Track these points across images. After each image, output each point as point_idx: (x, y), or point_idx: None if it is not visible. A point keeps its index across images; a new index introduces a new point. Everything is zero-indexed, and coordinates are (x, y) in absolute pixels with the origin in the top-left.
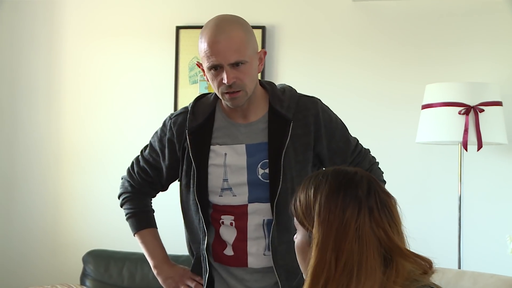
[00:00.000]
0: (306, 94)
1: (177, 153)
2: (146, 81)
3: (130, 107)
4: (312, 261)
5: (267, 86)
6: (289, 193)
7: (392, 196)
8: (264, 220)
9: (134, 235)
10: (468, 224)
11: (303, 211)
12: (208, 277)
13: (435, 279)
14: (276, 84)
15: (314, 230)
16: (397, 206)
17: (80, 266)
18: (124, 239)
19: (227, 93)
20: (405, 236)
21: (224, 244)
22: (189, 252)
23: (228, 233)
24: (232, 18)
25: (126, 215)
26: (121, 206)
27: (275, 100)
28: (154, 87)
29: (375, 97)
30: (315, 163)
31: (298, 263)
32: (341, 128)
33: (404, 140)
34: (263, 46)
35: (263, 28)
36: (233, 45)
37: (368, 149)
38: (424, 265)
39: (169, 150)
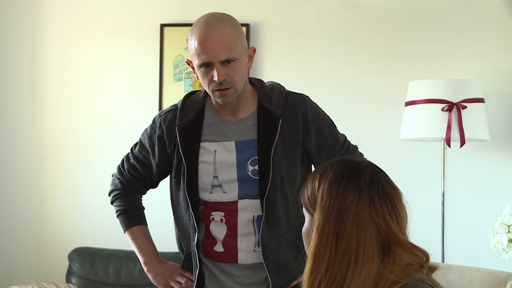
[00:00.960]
0: (294, 91)
1: (167, 150)
2: (131, 78)
3: (115, 104)
4: (312, 243)
5: (256, 83)
6: (278, 189)
7: (398, 189)
8: (254, 216)
9: (124, 232)
10: (452, 219)
11: (308, 198)
12: (198, 273)
13: None
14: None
15: (316, 214)
16: (403, 201)
17: (65, 263)
18: (109, 236)
19: (217, 90)
20: (407, 230)
21: (214, 240)
22: (179, 249)
23: (218, 230)
24: (222, 16)
25: (116, 212)
26: (112, 203)
27: (264, 97)
28: (139, 84)
29: (359, 94)
30: (303, 159)
31: (288, 258)
32: (330, 124)
33: (388, 137)
34: (248, 44)
35: (247, 25)
36: (224, 42)
37: (356, 146)
38: (421, 257)
39: (159, 147)
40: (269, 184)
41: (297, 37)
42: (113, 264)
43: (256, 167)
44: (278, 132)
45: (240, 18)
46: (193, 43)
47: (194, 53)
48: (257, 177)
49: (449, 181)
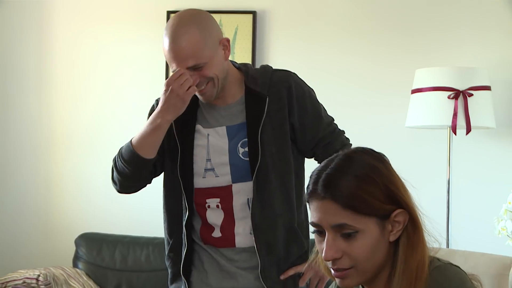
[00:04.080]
0: (281, 68)
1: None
2: (137, 66)
3: (122, 92)
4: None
5: (242, 68)
6: (269, 169)
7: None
8: (248, 199)
9: (131, 146)
10: (457, 206)
11: (379, 197)
12: (186, 252)
13: None
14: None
15: (398, 210)
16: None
17: (72, 249)
18: (116, 222)
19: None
20: None
21: (211, 227)
22: (165, 236)
23: (215, 216)
24: (189, 19)
25: (117, 155)
26: (113, 169)
27: (250, 80)
28: (145, 72)
29: (365, 82)
30: (292, 138)
31: (279, 240)
32: (314, 103)
33: (394, 125)
34: (253, 32)
35: (254, 13)
36: (188, 50)
37: (343, 131)
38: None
39: None
40: (257, 164)
41: (304, 25)
42: (119, 249)
43: (246, 149)
44: (265, 111)
45: (247, 5)
46: (164, 49)
47: (167, 58)
48: (247, 159)
49: (454, 169)
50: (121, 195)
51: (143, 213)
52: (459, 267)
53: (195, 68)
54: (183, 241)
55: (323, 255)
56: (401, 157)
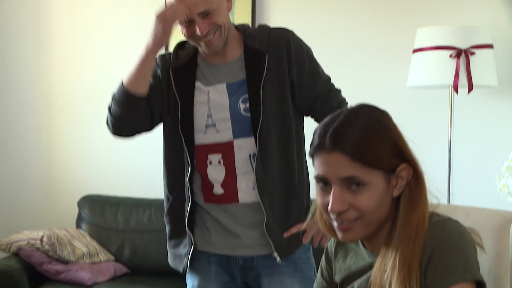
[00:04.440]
0: (278, 26)
1: (159, 89)
2: (137, 27)
3: (122, 53)
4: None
5: (240, 28)
6: (271, 125)
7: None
8: (250, 154)
9: (121, 83)
10: (458, 165)
11: (388, 152)
12: (190, 207)
13: None
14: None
15: (404, 165)
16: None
17: (75, 210)
18: (118, 184)
19: (203, 41)
20: None
21: (211, 184)
22: (165, 192)
23: (217, 172)
24: None
25: (112, 95)
26: (107, 114)
27: (248, 38)
28: (145, 31)
29: (366, 43)
30: (292, 95)
31: (281, 196)
32: (312, 60)
33: (396, 85)
34: None
35: None
36: None
37: (340, 90)
38: None
39: (153, 85)
40: (260, 120)
41: None
42: (122, 211)
43: (247, 105)
44: (266, 68)
45: None
46: (172, 1)
47: (174, 9)
48: (249, 114)
49: (456, 128)
50: (124, 158)
51: (146, 175)
52: (458, 222)
53: (205, 15)
54: (186, 196)
55: (329, 207)
56: (402, 117)
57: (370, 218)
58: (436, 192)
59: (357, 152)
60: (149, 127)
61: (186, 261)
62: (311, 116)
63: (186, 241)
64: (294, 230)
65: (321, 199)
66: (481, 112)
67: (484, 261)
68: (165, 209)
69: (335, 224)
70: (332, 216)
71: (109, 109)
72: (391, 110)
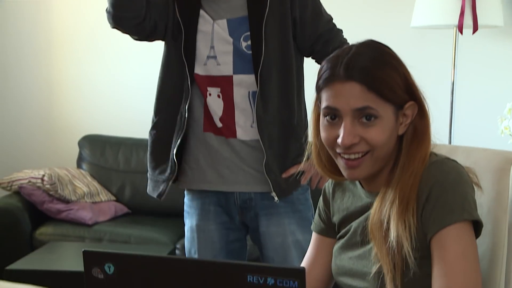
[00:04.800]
0: None
1: (169, 9)
2: None
3: None
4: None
5: None
6: (272, 64)
7: None
8: (249, 92)
9: None
10: (460, 107)
11: (399, 86)
12: (183, 136)
13: None
14: None
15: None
16: None
17: (76, 150)
18: (118, 124)
19: None
20: None
21: (211, 116)
22: (152, 117)
23: (216, 105)
24: None
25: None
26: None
27: None
28: None
29: None
30: (294, 34)
31: (279, 135)
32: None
33: (399, 25)
34: None
35: None
36: None
37: (341, 30)
38: None
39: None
40: (262, 58)
41: None
42: (123, 151)
43: (249, 43)
44: (268, 5)
45: None
46: None
47: None
48: (251, 52)
49: (459, 69)
50: (125, 98)
51: (146, 115)
52: (456, 161)
53: None
54: (180, 125)
55: (339, 140)
56: (406, 58)
57: (379, 152)
58: (435, 133)
59: (373, 81)
60: (149, 31)
61: (164, 187)
62: (312, 57)
63: (167, 167)
64: (292, 170)
65: (328, 133)
66: (486, 53)
67: (484, 201)
68: (149, 129)
69: (341, 161)
70: (340, 150)
71: None
72: (394, 50)
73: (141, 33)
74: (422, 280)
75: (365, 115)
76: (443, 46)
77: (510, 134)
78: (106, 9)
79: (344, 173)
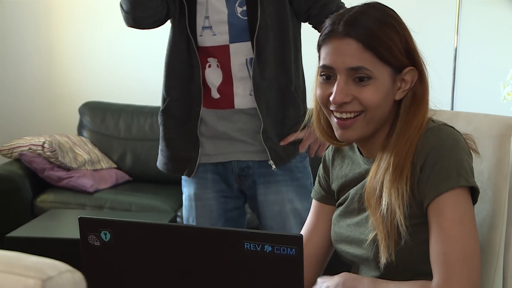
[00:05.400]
0: None
1: None
2: None
3: None
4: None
5: None
6: (269, 29)
7: None
8: (247, 59)
9: None
10: (463, 73)
11: (399, 49)
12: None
13: None
14: None
15: (409, 66)
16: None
17: (76, 117)
18: (119, 91)
19: None
20: None
21: (208, 88)
22: (162, 93)
23: (215, 76)
24: None
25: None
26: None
27: None
28: None
29: None
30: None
31: (277, 101)
32: None
33: None
34: None
35: None
36: None
37: None
38: None
39: None
40: (258, 23)
41: None
42: (123, 118)
43: (244, 8)
44: None
45: None
46: None
47: None
48: (246, 18)
49: (462, 35)
50: (125, 64)
51: (147, 82)
52: (453, 127)
53: None
54: (198, 99)
55: (331, 97)
56: (409, 21)
57: (372, 114)
58: (436, 99)
59: (371, 40)
60: (162, 20)
61: (192, 165)
62: (309, 22)
63: (190, 146)
64: (291, 138)
65: (322, 91)
66: (489, 18)
67: (484, 167)
68: (160, 109)
69: (334, 120)
70: (333, 108)
71: None
72: (399, 14)
73: (157, 26)
74: (414, 248)
75: (359, 75)
76: (446, 11)
77: None
78: (122, 9)
79: (337, 133)
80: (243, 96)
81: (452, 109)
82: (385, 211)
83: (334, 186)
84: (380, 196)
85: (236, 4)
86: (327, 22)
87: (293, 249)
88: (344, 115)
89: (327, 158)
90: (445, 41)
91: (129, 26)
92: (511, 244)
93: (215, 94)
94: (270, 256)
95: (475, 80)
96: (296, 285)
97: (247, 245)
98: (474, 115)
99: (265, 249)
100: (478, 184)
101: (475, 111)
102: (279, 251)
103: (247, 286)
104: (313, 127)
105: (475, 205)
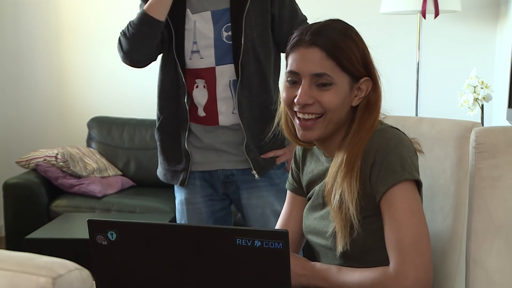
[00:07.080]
0: None
1: None
2: None
3: None
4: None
5: None
6: (250, 53)
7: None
8: (230, 80)
9: (143, 10)
10: (425, 84)
11: (358, 60)
12: (188, 128)
13: (398, 126)
14: None
15: (364, 75)
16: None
17: (85, 130)
18: (123, 106)
19: None
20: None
21: (196, 106)
22: (157, 113)
23: (201, 96)
24: None
25: (126, 25)
26: (120, 40)
27: None
28: None
29: None
30: (272, 27)
31: (256, 117)
32: (292, 0)
33: (369, 11)
34: None
35: None
36: None
37: None
38: None
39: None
40: (242, 48)
41: None
42: (127, 130)
43: (230, 33)
44: (249, 0)
45: None
46: None
47: None
48: (231, 42)
49: (423, 51)
50: (128, 83)
51: (147, 98)
52: (398, 129)
53: None
54: (185, 117)
55: (296, 99)
56: (376, 42)
57: (331, 116)
58: (402, 107)
59: (334, 49)
60: (156, 55)
61: (184, 175)
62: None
63: (182, 158)
64: (270, 154)
65: (288, 94)
66: (447, 35)
67: (447, 166)
68: (156, 126)
69: (297, 122)
70: (297, 108)
71: (125, 35)
72: (366, 35)
73: (150, 63)
74: (367, 238)
75: (322, 81)
76: (409, 30)
77: (468, 107)
78: (121, 48)
79: (299, 133)
80: (226, 114)
81: (416, 114)
82: (338, 205)
83: (304, 180)
84: (335, 191)
85: (223, 29)
86: (295, 33)
87: (280, 243)
88: (306, 116)
89: (297, 154)
90: (409, 56)
91: (124, 63)
92: (472, 232)
93: (201, 112)
94: (260, 250)
95: (436, 89)
96: (284, 275)
97: (239, 240)
98: (437, 120)
99: (255, 244)
100: (442, 181)
101: (437, 117)
102: (267, 245)
103: (240, 277)
104: (290, 146)
105: (441, 199)
